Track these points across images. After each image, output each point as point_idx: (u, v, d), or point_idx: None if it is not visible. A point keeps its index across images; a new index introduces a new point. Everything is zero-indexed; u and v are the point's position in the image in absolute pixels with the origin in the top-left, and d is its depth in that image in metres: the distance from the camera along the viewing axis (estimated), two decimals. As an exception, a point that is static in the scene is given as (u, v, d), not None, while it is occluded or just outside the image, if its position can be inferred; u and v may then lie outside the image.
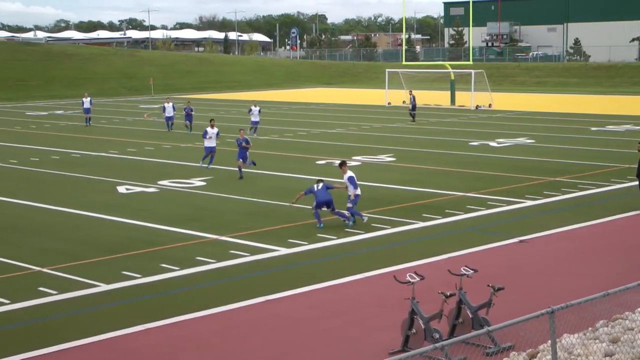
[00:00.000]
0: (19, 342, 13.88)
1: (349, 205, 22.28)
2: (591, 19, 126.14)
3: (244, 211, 24.78)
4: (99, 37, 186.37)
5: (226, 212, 24.76)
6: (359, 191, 22.48)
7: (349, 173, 22.54)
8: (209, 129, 32.78)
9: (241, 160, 30.54)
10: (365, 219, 22.52)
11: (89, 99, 53.32)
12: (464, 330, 13.08)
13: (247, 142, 30.70)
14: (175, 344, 13.79)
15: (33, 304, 15.90)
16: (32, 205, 25.97)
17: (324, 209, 22.38)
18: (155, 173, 32.06)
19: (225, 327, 14.58)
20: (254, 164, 31.04)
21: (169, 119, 47.86)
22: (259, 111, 46.68)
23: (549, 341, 10.50)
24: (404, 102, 64.42)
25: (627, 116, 54.87)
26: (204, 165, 32.84)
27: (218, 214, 24.49)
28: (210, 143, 32.78)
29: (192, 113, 47.17)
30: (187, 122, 46.61)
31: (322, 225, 22.13)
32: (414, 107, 53.55)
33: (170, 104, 48.20)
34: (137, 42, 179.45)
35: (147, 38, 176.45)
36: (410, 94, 55.20)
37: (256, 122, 45.85)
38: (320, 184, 22.60)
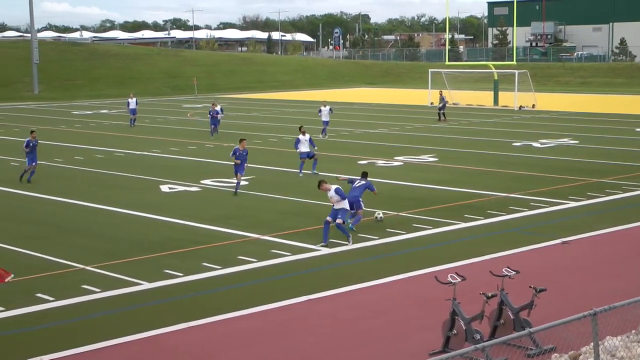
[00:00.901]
0: (62, 339, 14.04)
1: (339, 220, 20.26)
2: (637, 18, 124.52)
3: (285, 210, 24.85)
4: (144, 37, 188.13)
5: (268, 211, 24.83)
6: (346, 205, 20.60)
7: (333, 187, 20.68)
8: (300, 137, 31.48)
9: (240, 174, 27.51)
10: (350, 242, 20.28)
11: (134, 99, 53.31)
12: (505, 332, 13.00)
13: (246, 154, 27.68)
14: (215, 342, 13.88)
15: (76, 301, 16.08)
16: (76, 204, 26.27)
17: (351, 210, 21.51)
18: (198, 172, 32.26)
19: (266, 326, 14.64)
20: (236, 192, 27.40)
21: None
22: (330, 111, 44.95)
23: (591, 343, 10.41)
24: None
25: (673, 117, 54.15)
26: (301, 173, 31.19)
27: (260, 213, 24.57)
28: (304, 148, 31.33)
29: (218, 116, 46.56)
30: (213, 125, 45.63)
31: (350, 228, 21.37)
32: (442, 107, 53.97)
33: (219, 106, 47.89)
34: (181, 42, 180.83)
35: (191, 38, 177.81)
36: (441, 95, 55.37)
37: (327, 123, 44.35)
38: (361, 182, 22.39)
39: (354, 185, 22.42)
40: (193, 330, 14.43)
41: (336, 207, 20.48)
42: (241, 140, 28.09)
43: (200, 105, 68.84)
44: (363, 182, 22.54)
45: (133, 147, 40.82)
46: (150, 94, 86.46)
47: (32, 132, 31.17)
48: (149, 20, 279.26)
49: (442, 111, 53.98)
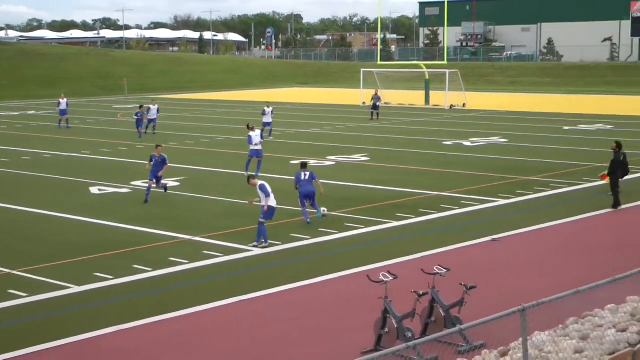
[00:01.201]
0: (-11, 344, 13.75)
1: (261, 220, 20.22)
2: (564, 19, 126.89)
3: (217, 211, 24.72)
4: (73, 36, 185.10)
5: (200, 212, 24.67)
6: (272, 202, 20.37)
7: (259, 182, 20.66)
8: (251, 133, 30.97)
9: (154, 180, 26.52)
10: (266, 243, 20.18)
11: (65, 100, 52.05)
12: (436, 329, 13.10)
13: (164, 161, 26.61)
14: (148, 345, 13.72)
15: (3, 306, 15.74)
16: (2, 207, 25.73)
17: (306, 202, 22.78)
18: (128, 173, 31.88)
19: (198, 328, 14.52)
20: (166, 190, 27.15)
21: (151, 121, 46.98)
22: (272, 112, 44.42)
23: (520, 339, 10.54)
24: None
25: (598, 115, 55.30)
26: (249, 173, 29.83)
27: (191, 214, 24.40)
28: (256, 147, 30.84)
29: (143, 118, 45.89)
30: (139, 128, 44.73)
31: (309, 220, 22.43)
32: (377, 106, 54.52)
33: (156, 106, 47.37)
34: (111, 42, 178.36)
35: (121, 38, 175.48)
36: (376, 94, 55.89)
37: (268, 124, 43.70)
38: (307, 174, 22.88)
39: (303, 179, 22.81)
40: (125, 333, 14.23)
41: (262, 203, 20.37)
42: (157, 147, 27.35)
43: (130, 106, 67.98)
44: (308, 172, 23.10)
45: (61, 148, 40.16)
46: (80, 94, 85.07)
47: None
48: (78, 20, 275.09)
49: (376, 110, 54.27)
